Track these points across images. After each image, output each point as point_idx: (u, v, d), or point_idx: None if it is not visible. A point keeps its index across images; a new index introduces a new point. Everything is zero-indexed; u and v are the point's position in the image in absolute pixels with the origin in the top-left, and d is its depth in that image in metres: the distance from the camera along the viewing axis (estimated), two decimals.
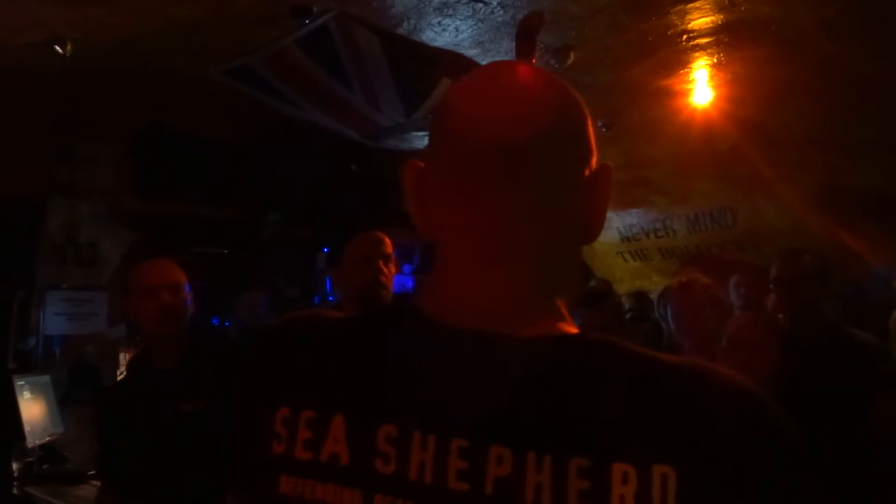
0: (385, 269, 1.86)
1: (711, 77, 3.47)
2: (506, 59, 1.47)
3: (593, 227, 0.60)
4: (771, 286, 2.32)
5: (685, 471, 0.45)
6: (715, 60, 3.27)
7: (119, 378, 3.45)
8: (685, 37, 3.01)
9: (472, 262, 0.57)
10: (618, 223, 5.66)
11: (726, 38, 3.01)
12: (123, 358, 3.58)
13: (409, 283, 5.41)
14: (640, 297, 4.53)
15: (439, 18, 2.92)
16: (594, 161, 0.61)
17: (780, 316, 2.33)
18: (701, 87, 3.58)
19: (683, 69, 3.39)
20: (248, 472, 0.57)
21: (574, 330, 0.55)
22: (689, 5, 2.72)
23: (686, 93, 3.66)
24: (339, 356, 0.56)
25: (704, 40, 3.04)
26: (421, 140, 4.12)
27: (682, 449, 0.46)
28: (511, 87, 0.59)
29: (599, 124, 4.13)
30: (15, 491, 2.83)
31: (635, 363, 0.50)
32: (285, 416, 0.54)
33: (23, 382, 3.12)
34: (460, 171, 0.57)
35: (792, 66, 3.23)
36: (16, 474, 2.90)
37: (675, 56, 3.23)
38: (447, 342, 0.53)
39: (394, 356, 0.54)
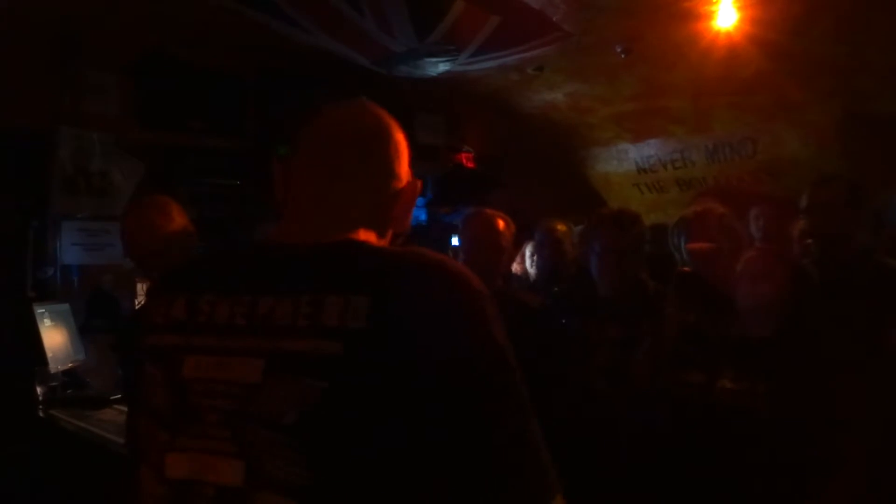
0: None
1: None
2: None
3: (390, 226, 0.94)
4: (802, 214, 2.27)
5: (375, 298, 0.72)
6: None
7: (137, 306, 3.51)
8: None
9: (299, 213, 0.90)
10: (634, 154, 5.55)
11: None
12: (141, 288, 3.63)
13: (423, 216, 5.40)
14: (656, 229, 4.46)
15: None
16: (402, 179, 0.93)
17: (809, 241, 2.29)
18: (725, 9, 3.42)
19: None
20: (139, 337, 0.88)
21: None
22: None
23: (709, 15, 3.50)
24: (194, 266, 0.94)
25: None
26: (434, 66, 4.01)
27: (376, 286, 0.73)
28: (348, 116, 0.94)
29: (617, 49, 3.99)
30: (41, 414, 2.93)
31: (369, 249, 0.83)
32: (156, 305, 0.87)
33: (43, 310, 3.18)
34: (307, 167, 0.92)
35: None
36: (40, 398, 2.99)
37: None
38: (259, 248, 0.90)
39: (223, 261, 0.90)
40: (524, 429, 0.73)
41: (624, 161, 5.68)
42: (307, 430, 0.69)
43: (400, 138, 0.93)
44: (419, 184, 0.95)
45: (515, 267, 3.71)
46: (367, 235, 0.88)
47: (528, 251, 3.77)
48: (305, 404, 0.69)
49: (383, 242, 0.92)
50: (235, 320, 0.77)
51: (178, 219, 1.92)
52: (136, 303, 3.64)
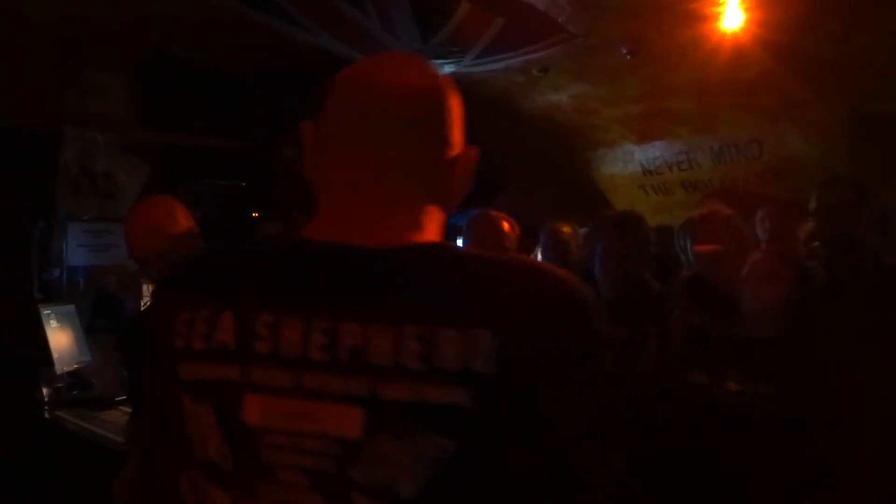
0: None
1: None
2: None
3: (450, 200, 0.76)
4: (810, 216, 2.26)
5: (501, 334, 0.58)
6: None
7: (143, 307, 3.52)
8: None
9: (340, 198, 0.72)
10: (640, 156, 5.54)
11: None
12: (146, 289, 3.64)
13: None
14: (661, 231, 4.45)
15: None
16: (457, 147, 0.75)
17: (816, 244, 2.28)
18: (732, 10, 3.41)
19: None
20: (157, 368, 0.71)
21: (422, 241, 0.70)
22: None
23: (715, 16, 3.49)
24: (229, 268, 0.72)
25: None
26: (439, 68, 4.00)
27: (499, 318, 0.59)
28: (392, 73, 0.73)
29: (623, 50, 3.98)
30: (46, 415, 2.94)
31: (467, 258, 0.68)
32: (185, 318, 0.68)
33: (49, 311, 3.19)
34: (345, 134, 0.73)
35: None
36: (46, 399, 3.00)
37: None
38: (314, 252, 0.69)
39: (270, 265, 0.70)
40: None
41: (629, 163, 5.66)
42: (433, 502, 0.56)
43: (455, 99, 0.77)
44: (475, 151, 0.77)
45: None
46: (430, 225, 0.73)
47: (539, 256, 3.76)
48: (429, 470, 0.56)
49: (438, 224, 0.75)
50: (312, 353, 0.61)
51: (183, 220, 1.91)
52: (142, 304, 3.64)
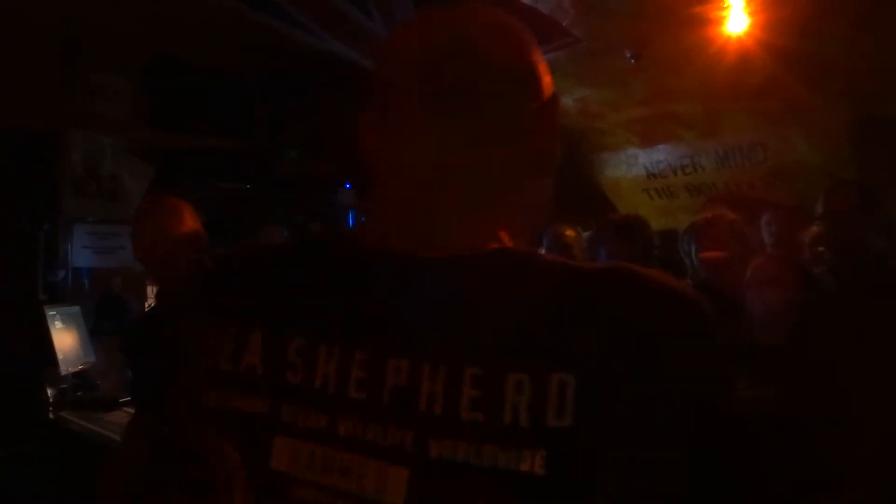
0: None
1: (748, 2, 3.29)
2: None
3: (545, 159, 0.61)
4: (817, 221, 2.25)
5: (584, 376, 0.45)
6: None
7: (147, 309, 3.53)
8: None
9: (400, 191, 0.58)
10: (644, 159, 5.53)
11: None
12: (151, 290, 3.64)
13: None
14: (665, 235, 4.45)
15: None
16: (543, 94, 0.60)
17: (821, 249, 2.27)
18: (736, 14, 3.41)
19: None
20: (181, 385, 0.62)
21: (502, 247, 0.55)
22: None
23: (719, 20, 3.49)
24: (264, 278, 0.60)
25: None
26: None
27: (583, 355, 0.45)
28: (447, 24, 0.59)
29: (627, 55, 3.98)
30: (50, 415, 2.95)
31: (549, 273, 0.50)
32: (214, 332, 0.58)
33: (54, 313, 3.20)
34: (397, 106, 0.58)
35: None
36: (50, 400, 3.01)
37: None
38: (359, 263, 0.56)
39: (309, 277, 0.57)
40: None
41: (633, 166, 5.66)
42: None
43: (536, 55, 0.61)
44: (557, 98, 0.62)
45: None
46: (517, 219, 0.59)
47: None
48: None
49: (530, 213, 0.61)
50: (350, 391, 0.50)
51: (190, 222, 1.90)
52: (146, 305, 3.65)
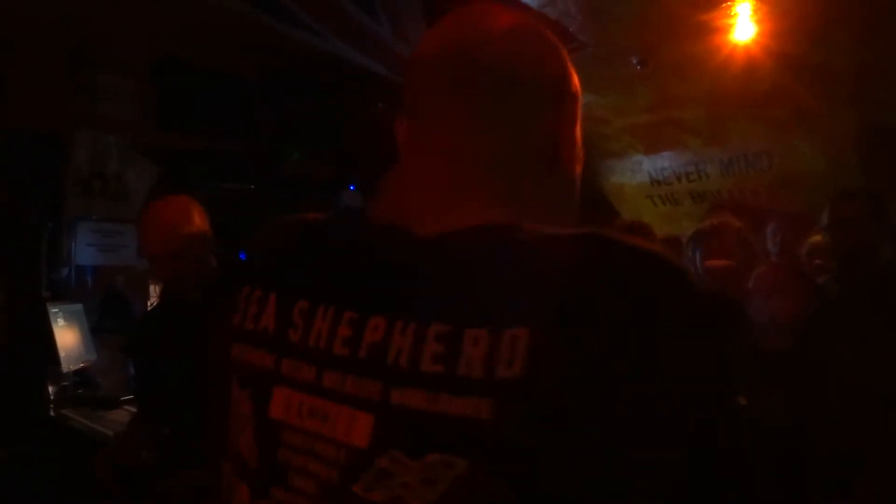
0: None
1: (755, 10, 3.29)
2: None
3: (557, 152, 0.64)
4: (824, 230, 2.23)
5: (537, 331, 0.46)
6: None
7: (150, 307, 3.53)
8: None
9: (409, 172, 0.64)
10: (648, 166, 5.53)
11: None
12: (153, 290, 3.65)
13: None
14: (669, 242, 4.44)
15: None
16: (558, 88, 0.65)
17: (818, 261, 2.26)
18: (743, 22, 3.41)
19: (726, 2, 3.22)
20: (218, 341, 0.67)
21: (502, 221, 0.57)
22: None
23: (727, 28, 3.49)
24: (283, 248, 0.66)
25: None
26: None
27: (537, 312, 0.47)
28: (465, 21, 0.64)
29: (633, 61, 3.98)
30: (51, 413, 2.95)
31: (521, 242, 0.53)
32: (245, 294, 0.64)
33: (56, 310, 3.20)
34: (420, 102, 0.64)
35: None
36: (52, 397, 3.01)
37: None
38: (360, 236, 0.61)
39: (317, 247, 0.63)
40: None
41: (637, 173, 5.65)
42: None
43: (554, 52, 0.66)
44: (577, 95, 0.67)
45: None
46: (520, 201, 0.60)
47: None
48: (431, 492, 0.47)
49: (538, 198, 0.63)
50: (335, 346, 0.55)
51: (198, 221, 1.88)
52: (149, 304, 3.66)
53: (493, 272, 0.52)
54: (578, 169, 0.68)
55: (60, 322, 3.18)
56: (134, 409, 2.60)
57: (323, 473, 0.53)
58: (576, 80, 0.68)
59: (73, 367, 3.14)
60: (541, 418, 0.45)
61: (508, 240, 0.54)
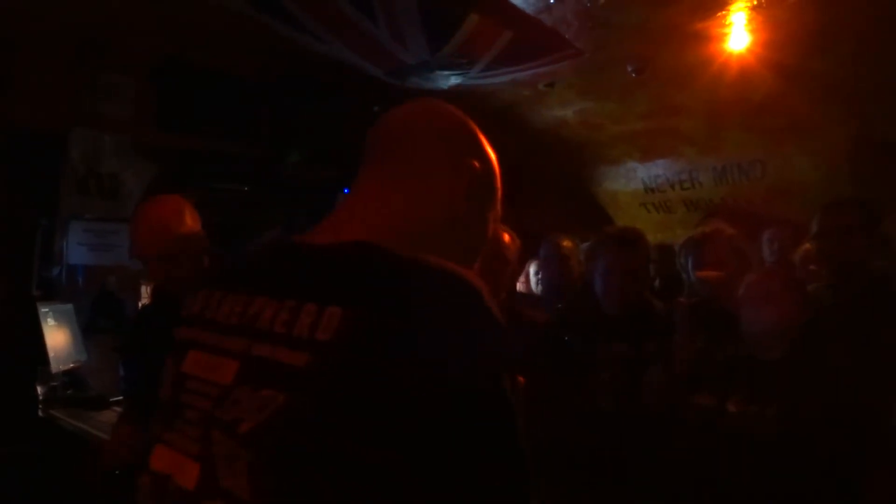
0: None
1: (750, 20, 3.31)
2: None
3: (449, 203, 0.86)
4: (812, 239, 2.23)
5: (348, 310, 0.66)
6: (755, 2, 3.12)
7: (142, 307, 3.51)
8: None
9: (338, 214, 0.87)
10: (642, 173, 5.55)
11: None
12: (145, 290, 3.63)
13: None
14: (662, 249, 4.44)
15: None
16: (457, 155, 0.88)
17: (812, 268, 2.26)
18: (738, 32, 3.43)
19: (721, 11, 3.24)
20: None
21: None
22: None
23: (722, 37, 3.51)
24: (242, 262, 0.88)
25: None
26: (446, 79, 4.02)
27: (350, 298, 0.67)
28: (409, 108, 0.93)
29: (629, 68, 3.99)
30: (40, 413, 2.92)
31: (358, 253, 0.74)
32: (201, 295, 0.84)
33: (47, 310, 3.18)
34: (362, 153, 0.91)
35: (836, 7, 3.07)
36: (40, 397, 2.99)
37: None
38: (285, 247, 0.83)
39: (259, 259, 0.84)
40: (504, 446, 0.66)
41: (631, 180, 5.67)
42: (258, 442, 0.65)
43: (462, 131, 0.91)
44: (473, 164, 0.89)
45: (519, 286, 3.69)
46: (392, 230, 0.82)
47: (532, 269, 3.76)
48: (261, 415, 0.65)
49: (410, 230, 0.83)
50: (231, 319, 0.77)
51: (190, 222, 1.87)
52: (140, 304, 3.64)
53: (335, 269, 0.73)
54: (484, 232, 0.91)
55: (50, 322, 3.16)
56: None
57: (202, 405, 0.73)
58: (485, 162, 0.90)
59: (62, 368, 3.12)
60: (341, 368, 0.64)
61: (358, 252, 0.74)
